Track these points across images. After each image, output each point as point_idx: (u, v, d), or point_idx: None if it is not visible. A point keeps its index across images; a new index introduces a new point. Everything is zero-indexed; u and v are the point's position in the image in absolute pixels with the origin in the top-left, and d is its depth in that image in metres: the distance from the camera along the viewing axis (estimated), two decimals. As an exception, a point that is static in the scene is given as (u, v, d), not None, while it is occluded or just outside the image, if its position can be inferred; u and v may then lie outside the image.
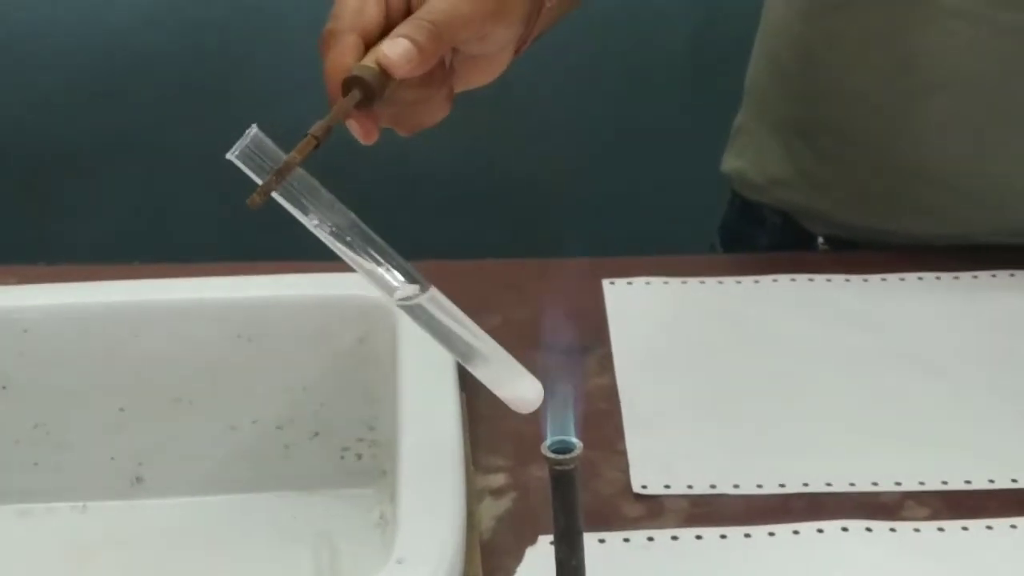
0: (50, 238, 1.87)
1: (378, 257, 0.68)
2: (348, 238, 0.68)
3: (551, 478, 0.60)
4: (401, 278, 0.68)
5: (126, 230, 1.85)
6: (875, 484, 0.85)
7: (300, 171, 0.67)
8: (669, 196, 1.79)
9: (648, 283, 1.02)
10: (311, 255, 0.93)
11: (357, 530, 0.89)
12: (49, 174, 1.89)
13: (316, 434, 0.92)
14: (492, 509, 0.83)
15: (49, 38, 1.83)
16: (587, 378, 0.92)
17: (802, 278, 1.03)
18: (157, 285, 0.92)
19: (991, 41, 1.00)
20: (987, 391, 0.92)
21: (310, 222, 0.68)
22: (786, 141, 1.13)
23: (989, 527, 0.82)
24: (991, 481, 0.85)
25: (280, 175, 0.66)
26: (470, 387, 0.88)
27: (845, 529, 0.81)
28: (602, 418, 0.90)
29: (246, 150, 0.67)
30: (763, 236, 1.16)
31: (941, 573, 0.78)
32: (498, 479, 0.85)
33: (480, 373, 0.69)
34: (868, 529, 0.81)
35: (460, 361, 0.69)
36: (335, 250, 0.68)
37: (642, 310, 1.00)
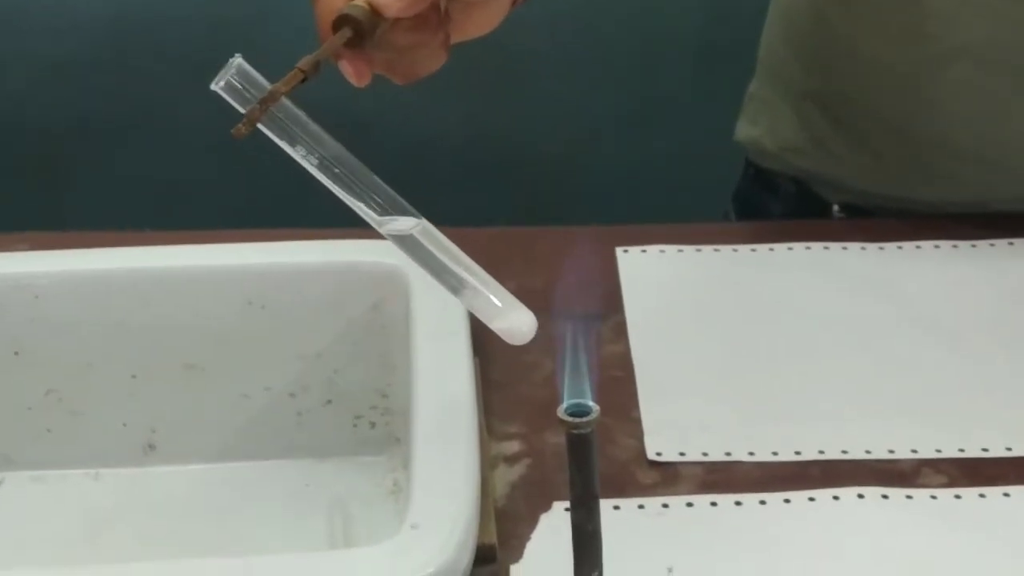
0: (64, 208, 1.87)
1: (367, 188, 0.67)
2: (336, 170, 0.67)
3: (568, 442, 0.59)
4: (390, 210, 0.67)
5: (139, 200, 1.85)
6: (891, 452, 0.84)
7: (287, 102, 0.66)
8: (683, 164, 1.79)
9: (662, 251, 1.02)
10: (325, 225, 0.93)
11: (370, 497, 0.89)
12: (62, 145, 1.89)
13: (329, 401, 0.92)
14: (506, 476, 0.83)
15: (63, 9, 1.83)
16: (601, 345, 0.92)
17: (817, 246, 1.02)
18: (169, 252, 0.92)
19: (1008, 5, 0.99)
20: (1004, 359, 0.91)
21: (297, 153, 0.67)
22: (800, 108, 1.12)
23: (1006, 494, 0.81)
24: (1008, 449, 0.84)
25: (265, 104, 0.65)
26: (484, 354, 0.87)
27: (861, 496, 0.81)
28: (616, 385, 0.89)
29: (230, 81, 0.66)
30: (777, 204, 1.16)
31: (958, 540, 0.78)
32: (512, 446, 0.85)
33: (472, 305, 0.68)
34: (884, 496, 0.81)
35: (451, 293, 0.68)
36: (324, 182, 0.67)
37: (656, 278, 0.99)
